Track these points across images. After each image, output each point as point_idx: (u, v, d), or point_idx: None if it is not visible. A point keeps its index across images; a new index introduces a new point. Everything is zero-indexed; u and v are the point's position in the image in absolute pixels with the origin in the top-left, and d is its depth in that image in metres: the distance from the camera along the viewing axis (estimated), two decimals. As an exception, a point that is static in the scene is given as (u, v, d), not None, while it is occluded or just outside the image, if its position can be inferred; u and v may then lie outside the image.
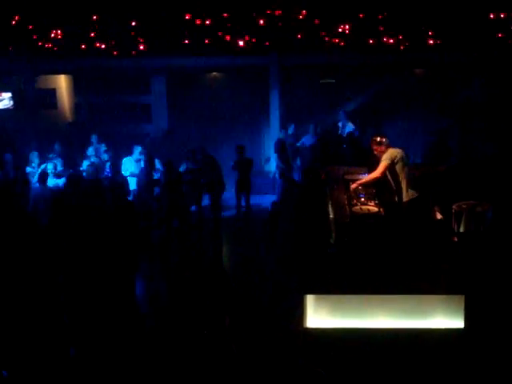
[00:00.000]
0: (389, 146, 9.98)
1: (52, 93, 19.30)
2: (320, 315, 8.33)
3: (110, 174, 13.85)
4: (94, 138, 15.65)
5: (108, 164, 14.40)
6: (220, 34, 17.04)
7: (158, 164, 14.15)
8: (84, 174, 13.27)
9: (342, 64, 17.33)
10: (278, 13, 17.05)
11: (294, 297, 8.69)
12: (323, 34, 16.92)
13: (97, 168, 13.35)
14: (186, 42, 17.12)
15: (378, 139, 10.03)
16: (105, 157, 15.07)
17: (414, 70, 18.35)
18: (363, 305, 8.33)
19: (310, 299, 8.32)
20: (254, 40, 17.10)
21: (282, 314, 9.21)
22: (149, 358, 8.50)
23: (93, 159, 14.45)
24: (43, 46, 17.54)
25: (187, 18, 17.09)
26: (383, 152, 9.90)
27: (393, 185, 9.96)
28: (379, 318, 8.32)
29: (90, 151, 15.01)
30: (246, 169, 14.53)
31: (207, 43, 17.02)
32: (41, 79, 18.83)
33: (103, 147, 15.43)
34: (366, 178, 10.05)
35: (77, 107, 19.43)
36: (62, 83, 19.41)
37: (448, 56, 16.62)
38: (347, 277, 8.27)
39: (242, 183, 14.50)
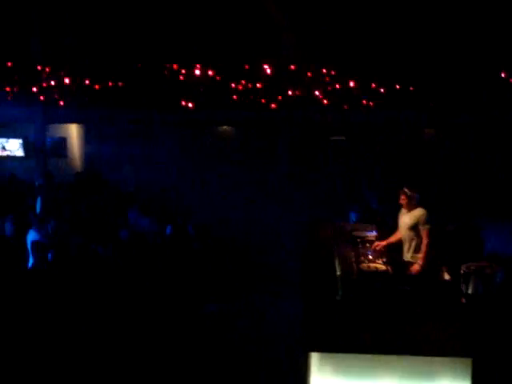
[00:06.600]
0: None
1: (63, 141, 19.43)
2: (324, 374, 8.17)
3: None
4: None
5: None
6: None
7: None
8: None
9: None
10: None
11: (297, 354, 8.52)
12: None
13: None
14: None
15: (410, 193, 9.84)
16: None
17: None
18: (369, 364, 8.17)
19: (314, 357, 8.17)
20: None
21: (284, 372, 9.01)
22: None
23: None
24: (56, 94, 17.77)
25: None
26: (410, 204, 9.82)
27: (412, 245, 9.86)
28: (385, 378, 8.15)
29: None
30: None
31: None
32: (52, 127, 18.95)
33: None
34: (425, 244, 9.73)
35: (87, 156, 19.52)
36: (73, 132, 19.54)
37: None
38: (353, 335, 8.13)
39: None
